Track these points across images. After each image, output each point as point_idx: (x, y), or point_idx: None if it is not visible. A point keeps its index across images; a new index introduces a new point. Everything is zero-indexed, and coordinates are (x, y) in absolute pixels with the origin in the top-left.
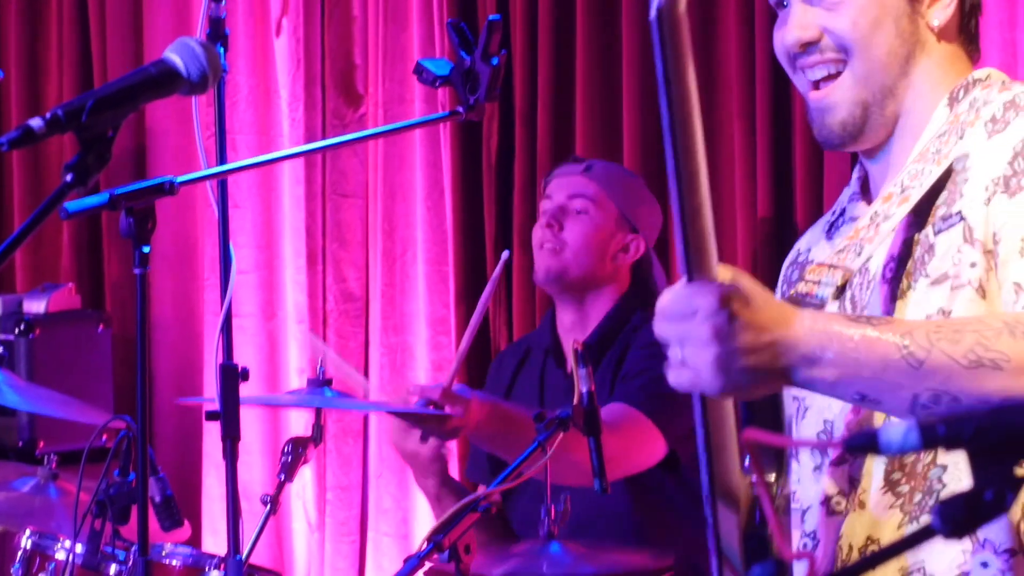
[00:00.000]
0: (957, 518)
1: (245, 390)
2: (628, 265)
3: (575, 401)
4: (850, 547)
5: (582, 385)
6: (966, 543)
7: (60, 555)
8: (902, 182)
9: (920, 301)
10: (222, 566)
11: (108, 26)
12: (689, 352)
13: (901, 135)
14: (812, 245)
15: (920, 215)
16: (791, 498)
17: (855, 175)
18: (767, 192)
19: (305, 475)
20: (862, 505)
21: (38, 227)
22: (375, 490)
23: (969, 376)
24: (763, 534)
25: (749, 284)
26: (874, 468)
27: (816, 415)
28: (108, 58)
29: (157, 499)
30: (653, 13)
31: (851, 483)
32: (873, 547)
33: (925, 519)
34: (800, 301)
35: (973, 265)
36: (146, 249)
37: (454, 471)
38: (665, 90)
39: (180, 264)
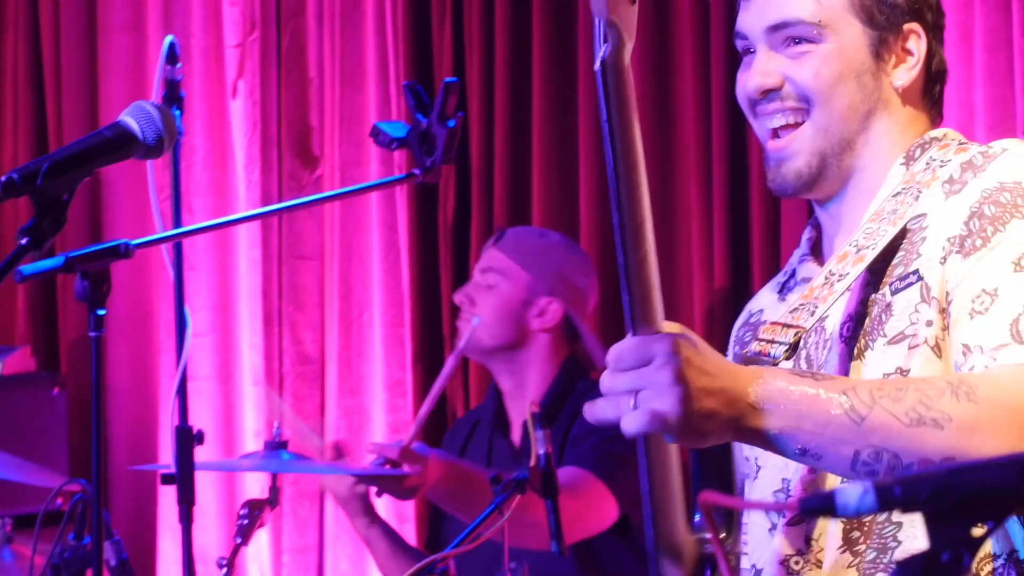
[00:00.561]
0: None
1: (201, 453)
2: (549, 328)
3: (532, 463)
4: None
5: (539, 447)
6: None
7: None
8: (857, 242)
9: (878, 361)
10: None
11: (64, 89)
12: (647, 396)
13: (856, 190)
14: (764, 306)
15: (876, 274)
16: (741, 558)
17: (805, 236)
18: (723, 248)
19: (261, 538)
20: (819, 564)
21: None
22: (331, 553)
23: (910, 434)
24: None
25: (695, 336)
26: (831, 527)
27: (772, 474)
28: (63, 121)
29: (112, 563)
30: (597, 65)
31: (807, 542)
32: None
33: None
34: (754, 361)
35: (929, 324)
36: (101, 312)
37: (411, 536)
38: (610, 142)
39: (136, 327)
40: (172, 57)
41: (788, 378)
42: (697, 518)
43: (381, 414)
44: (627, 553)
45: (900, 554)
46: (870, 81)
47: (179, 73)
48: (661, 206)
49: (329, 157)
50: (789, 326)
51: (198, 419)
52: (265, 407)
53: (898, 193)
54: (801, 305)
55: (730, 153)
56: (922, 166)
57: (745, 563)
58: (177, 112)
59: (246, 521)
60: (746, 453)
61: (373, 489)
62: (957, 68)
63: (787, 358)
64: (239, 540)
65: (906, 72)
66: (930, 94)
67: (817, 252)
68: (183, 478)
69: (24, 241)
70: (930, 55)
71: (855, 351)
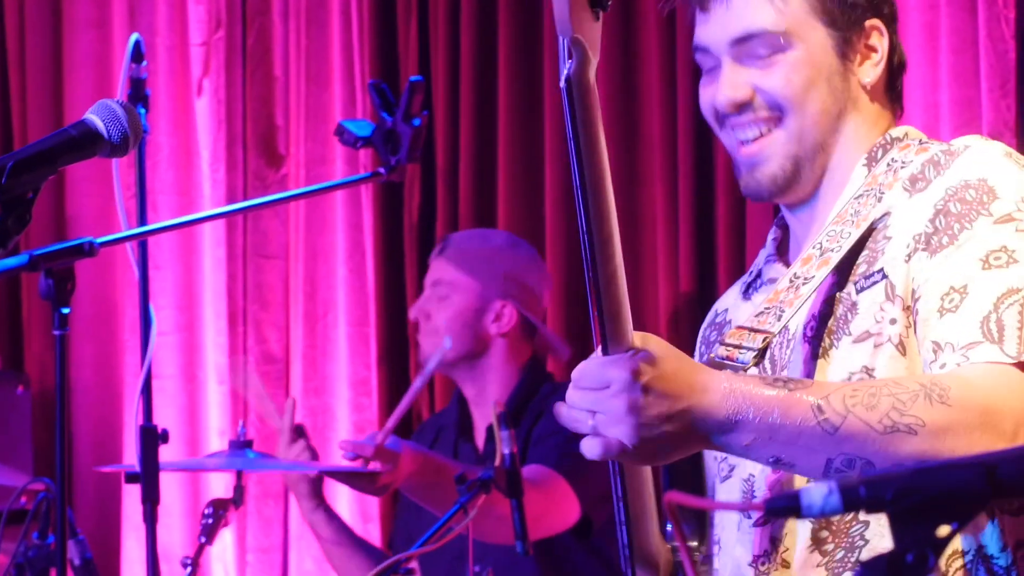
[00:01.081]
0: None
1: (166, 452)
2: (506, 332)
3: (496, 463)
4: None
5: (504, 447)
6: None
7: None
8: (821, 244)
9: (843, 359)
10: None
11: (28, 86)
12: (602, 422)
13: (826, 190)
14: (730, 306)
15: (841, 274)
16: (713, 561)
17: (771, 236)
18: (689, 253)
19: (225, 537)
20: (786, 565)
21: None
22: (296, 552)
23: (884, 442)
24: None
25: (662, 350)
26: (798, 527)
27: (740, 473)
28: (28, 119)
29: (76, 562)
30: (563, 81)
31: (773, 543)
32: None
33: None
34: (721, 366)
35: (893, 322)
36: (66, 310)
37: (375, 535)
38: (576, 158)
39: (100, 325)
40: (137, 55)
41: (758, 390)
42: (669, 527)
43: (346, 413)
44: (589, 557)
45: (867, 553)
46: (839, 82)
47: (144, 71)
48: (627, 210)
49: (294, 156)
50: (756, 331)
51: (162, 418)
52: (230, 376)
53: (860, 195)
54: (767, 309)
55: (695, 157)
56: (883, 168)
57: (717, 564)
58: (142, 110)
59: (211, 520)
60: (715, 454)
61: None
62: (923, 69)
63: (755, 364)
64: (204, 539)
65: (872, 69)
66: (893, 88)
67: (783, 252)
68: (147, 477)
69: None
70: (892, 49)
71: (820, 350)
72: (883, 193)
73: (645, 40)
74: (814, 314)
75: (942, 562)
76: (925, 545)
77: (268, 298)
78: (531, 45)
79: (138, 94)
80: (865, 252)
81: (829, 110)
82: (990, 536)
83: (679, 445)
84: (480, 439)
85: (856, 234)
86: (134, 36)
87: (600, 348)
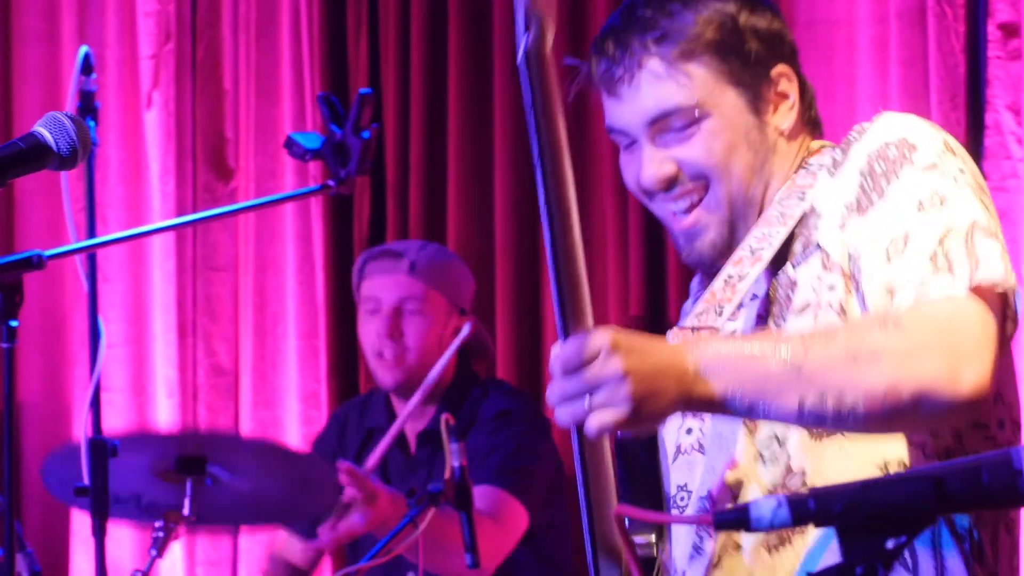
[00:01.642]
0: None
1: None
2: (461, 345)
3: (447, 476)
4: None
5: (454, 460)
6: None
7: None
8: (750, 245)
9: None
10: None
11: None
12: (601, 395)
13: None
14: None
15: (777, 263)
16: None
17: (695, 286)
18: (639, 261)
19: (175, 551)
20: (737, 547)
21: None
22: (245, 565)
23: (848, 371)
24: None
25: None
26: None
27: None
28: None
29: (25, 575)
30: (520, 56)
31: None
32: None
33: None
34: None
35: (832, 288)
36: (13, 323)
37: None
38: (535, 131)
39: (49, 338)
40: (87, 68)
41: (720, 344)
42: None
43: (296, 426)
44: (532, 558)
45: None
46: (757, 136)
47: (94, 84)
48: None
49: (244, 169)
50: (698, 328)
51: (112, 431)
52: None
53: (782, 199)
54: (705, 308)
55: None
56: (802, 173)
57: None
58: (91, 123)
59: (160, 534)
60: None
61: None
62: (872, 82)
63: None
64: (154, 553)
65: (788, 113)
66: (808, 117)
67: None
68: (96, 491)
69: None
70: (801, 86)
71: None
72: (805, 192)
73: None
74: (760, 314)
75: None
76: (874, 558)
77: (218, 310)
78: (481, 57)
79: (87, 107)
80: (799, 239)
81: (752, 166)
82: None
83: (668, 403)
84: (412, 446)
85: (785, 231)
86: (83, 48)
87: (563, 333)
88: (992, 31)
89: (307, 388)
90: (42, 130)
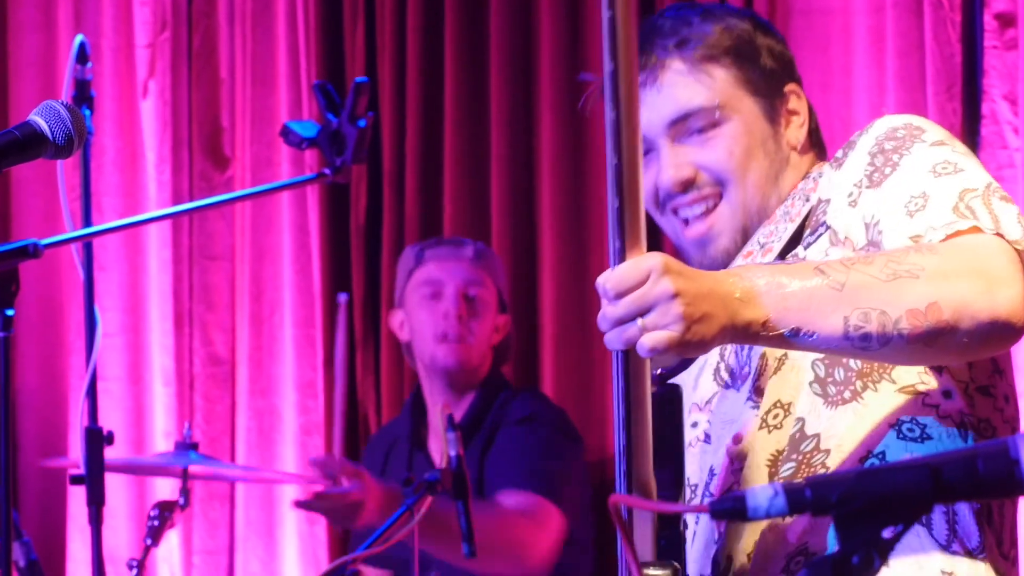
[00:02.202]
0: None
1: (111, 454)
2: (497, 344)
3: (443, 464)
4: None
5: (450, 449)
6: None
7: None
8: (758, 240)
9: None
10: None
11: None
12: (653, 316)
13: None
14: None
15: (785, 255)
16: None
17: None
18: None
19: (171, 539)
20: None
21: None
22: (242, 554)
23: (890, 289)
24: (676, 532)
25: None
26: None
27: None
28: None
29: (21, 564)
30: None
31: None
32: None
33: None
34: None
35: None
36: (10, 312)
37: (323, 537)
38: (610, 37)
39: (45, 327)
40: (82, 57)
41: (762, 269)
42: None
43: (292, 415)
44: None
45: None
46: (773, 146)
47: (89, 73)
48: (574, 210)
49: (240, 157)
50: None
51: (108, 420)
52: None
53: (786, 199)
54: None
55: None
56: (805, 182)
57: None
58: (87, 112)
59: (156, 522)
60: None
61: None
62: (869, 73)
63: None
64: (149, 541)
65: (798, 131)
66: (817, 141)
67: None
68: (92, 479)
69: None
70: (808, 108)
71: None
72: (808, 195)
73: (596, 47)
74: None
75: None
76: (871, 547)
77: (214, 300)
78: (477, 46)
79: (83, 96)
80: (807, 227)
81: (768, 174)
82: None
83: (716, 328)
84: (437, 449)
85: (792, 227)
86: (79, 38)
87: (617, 252)
88: (988, 21)
89: (304, 377)
90: (38, 119)
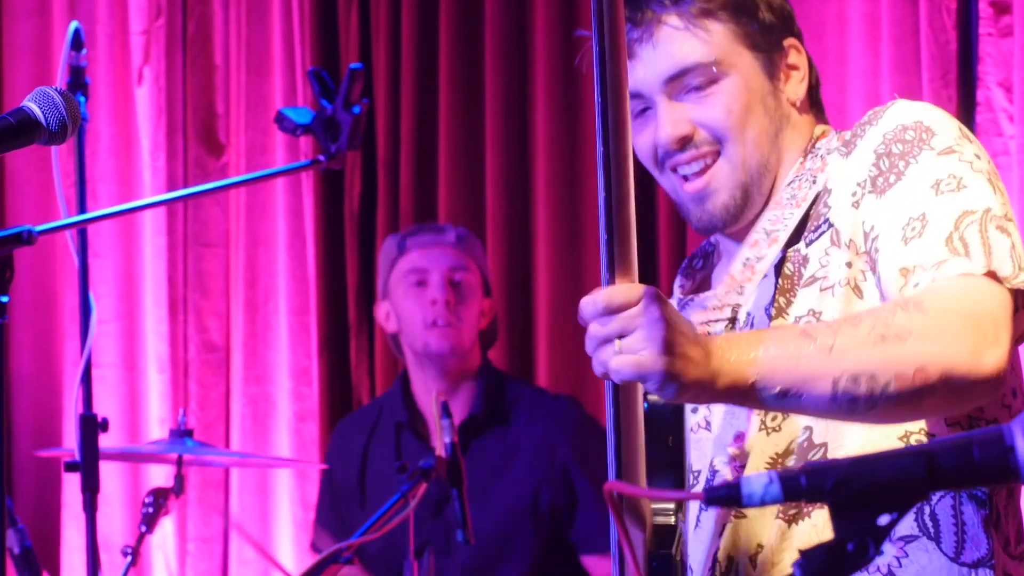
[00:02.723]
0: (819, 569)
1: (105, 441)
2: (484, 328)
3: (438, 452)
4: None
5: (445, 436)
6: None
7: None
8: (764, 228)
9: (795, 307)
10: None
11: None
12: (632, 340)
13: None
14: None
15: (790, 244)
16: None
17: (677, 284)
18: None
19: (166, 527)
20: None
21: None
22: (236, 541)
23: (879, 352)
24: (667, 554)
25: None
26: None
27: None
28: None
29: (16, 551)
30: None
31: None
32: (761, 553)
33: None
34: None
35: (849, 265)
36: (4, 299)
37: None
38: (599, 69)
39: (40, 314)
40: (77, 43)
41: (750, 335)
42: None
43: (286, 402)
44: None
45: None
46: (772, 103)
47: (84, 59)
48: (569, 196)
49: (235, 144)
50: (722, 306)
51: (102, 407)
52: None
53: (792, 182)
54: (728, 288)
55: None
56: (811, 157)
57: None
58: (82, 98)
59: (151, 509)
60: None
61: None
62: (864, 59)
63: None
64: (144, 528)
65: (798, 86)
66: (814, 98)
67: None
68: (87, 466)
69: None
70: (808, 63)
71: (778, 312)
72: (816, 176)
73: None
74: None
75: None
76: (865, 534)
77: (209, 286)
78: (473, 33)
79: (78, 82)
80: (811, 219)
81: (767, 131)
82: None
83: (695, 377)
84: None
85: (799, 213)
86: (74, 24)
87: (607, 272)
88: (983, 8)
89: (298, 364)
90: (31, 105)
